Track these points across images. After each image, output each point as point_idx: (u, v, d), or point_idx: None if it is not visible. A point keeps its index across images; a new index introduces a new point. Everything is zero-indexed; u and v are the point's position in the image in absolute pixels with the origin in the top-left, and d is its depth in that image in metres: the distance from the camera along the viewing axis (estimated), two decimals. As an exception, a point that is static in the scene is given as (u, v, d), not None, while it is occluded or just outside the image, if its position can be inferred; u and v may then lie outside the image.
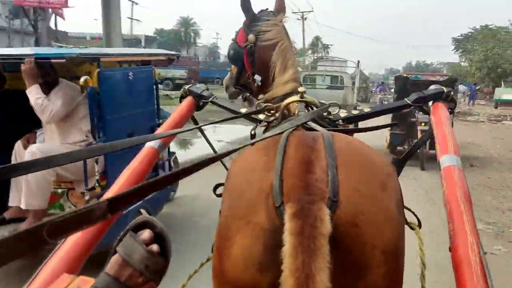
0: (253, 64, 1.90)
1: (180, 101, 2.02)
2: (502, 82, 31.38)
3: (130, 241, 0.83)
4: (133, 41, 32.70)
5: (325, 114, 1.68)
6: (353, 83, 13.47)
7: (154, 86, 4.57)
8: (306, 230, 0.94)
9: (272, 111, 1.72)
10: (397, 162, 1.76)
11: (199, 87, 2.04)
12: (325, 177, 1.06)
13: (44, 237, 0.66)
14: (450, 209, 1.24)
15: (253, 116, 1.81)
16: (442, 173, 1.40)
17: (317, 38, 56.71)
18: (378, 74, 79.41)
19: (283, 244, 0.94)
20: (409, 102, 1.84)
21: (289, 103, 1.65)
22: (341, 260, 0.98)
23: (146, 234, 0.84)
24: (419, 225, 1.50)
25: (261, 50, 1.85)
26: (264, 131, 1.71)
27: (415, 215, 1.49)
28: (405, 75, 10.77)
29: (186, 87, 2.05)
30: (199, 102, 2.01)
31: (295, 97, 1.66)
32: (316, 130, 1.37)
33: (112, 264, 0.82)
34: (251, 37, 1.85)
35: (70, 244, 1.20)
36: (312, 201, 0.99)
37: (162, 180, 0.92)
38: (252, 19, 1.88)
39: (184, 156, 7.66)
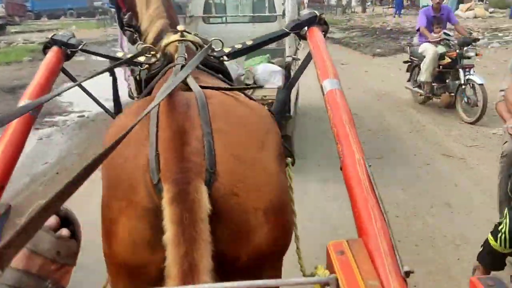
0: (124, 1, 1.82)
1: (44, 53, 1.80)
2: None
3: None
4: None
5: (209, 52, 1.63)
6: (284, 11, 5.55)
7: None
8: (185, 217, 0.94)
9: (152, 52, 1.67)
10: (283, 92, 1.92)
11: (64, 35, 1.83)
12: (201, 147, 1.05)
13: None
14: (337, 131, 1.30)
15: (135, 60, 1.72)
16: (325, 98, 1.44)
17: None
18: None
19: (165, 230, 0.95)
20: (287, 30, 1.87)
21: (167, 44, 1.60)
22: (226, 230, 1.01)
23: (50, 220, 0.81)
24: (293, 163, 1.59)
25: None
26: (148, 75, 1.67)
27: (291, 154, 1.59)
28: None
29: (50, 35, 1.83)
30: (67, 51, 1.81)
31: (175, 37, 1.61)
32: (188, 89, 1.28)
33: (19, 258, 0.76)
34: None
35: None
36: (189, 181, 0.98)
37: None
38: None
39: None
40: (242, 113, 1.24)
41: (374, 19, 24.41)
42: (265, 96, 3.95)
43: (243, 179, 1.06)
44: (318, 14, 1.83)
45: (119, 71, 2.20)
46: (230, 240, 1.02)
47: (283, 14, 5.39)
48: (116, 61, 1.83)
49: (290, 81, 2.14)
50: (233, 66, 4.26)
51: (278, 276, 1.20)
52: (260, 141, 1.17)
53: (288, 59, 4.39)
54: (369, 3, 34.75)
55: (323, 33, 1.80)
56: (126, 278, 1.09)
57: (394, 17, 25.08)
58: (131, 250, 1.03)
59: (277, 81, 4.39)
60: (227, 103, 1.26)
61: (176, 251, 0.93)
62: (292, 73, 4.03)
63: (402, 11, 26.40)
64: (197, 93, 1.19)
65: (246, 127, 1.19)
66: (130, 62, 1.80)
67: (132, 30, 1.94)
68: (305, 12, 1.93)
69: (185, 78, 1.27)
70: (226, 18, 6.51)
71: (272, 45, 3.39)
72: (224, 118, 1.15)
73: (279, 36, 2.00)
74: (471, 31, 15.68)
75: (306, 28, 1.82)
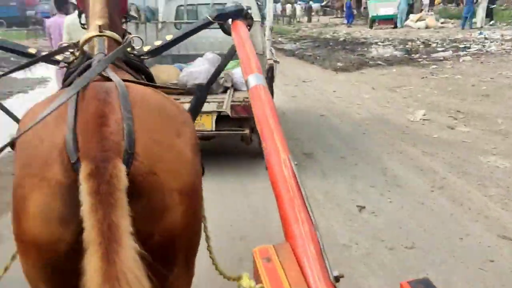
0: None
1: None
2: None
3: None
4: None
5: (128, 49, 1.66)
6: (262, 16, 5.74)
7: None
8: (102, 188, 0.95)
9: (71, 50, 1.65)
10: (201, 88, 2.04)
11: None
12: (120, 130, 1.06)
13: None
14: (261, 129, 1.28)
15: (53, 59, 1.75)
16: (250, 94, 1.43)
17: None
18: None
19: (81, 204, 0.94)
20: (210, 19, 1.81)
21: (86, 40, 1.57)
22: (142, 207, 1.03)
23: None
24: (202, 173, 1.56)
25: None
26: (66, 74, 1.62)
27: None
28: None
29: None
30: None
31: (92, 33, 1.57)
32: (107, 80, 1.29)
33: None
34: None
35: None
36: (107, 159, 0.99)
37: None
38: None
39: None
40: (160, 104, 1.27)
41: (323, 29, 23.53)
42: (246, 98, 4.09)
43: (160, 160, 1.10)
44: (244, 8, 1.82)
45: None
46: (144, 217, 1.03)
47: (262, 20, 5.44)
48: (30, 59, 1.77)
49: (210, 78, 2.12)
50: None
51: (190, 275, 1.29)
52: (176, 129, 1.22)
53: (270, 62, 4.56)
54: (313, 13, 34.37)
55: (248, 27, 1.80)
56: (35, 256, 1.06)
57: (349, 27, 24.35)
58: (41, 224, 1.01)
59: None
60: (147, 93, 1.28)
61: (93, 216, 0.92)
62: (275, 75, 4.73)
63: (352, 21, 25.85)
64: (117, 83, 1.21)
65: (164, 115, 1.23)
66: (46, 60, 1.80)
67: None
68: (231, 4, 1.86)
69: (103, 70, 1.28)
70: None
71: None
72: (144, 106, 1.18)
73: (202, 26, 1.87)
74: (429, 42, 15.12)
75: (230, 21, 1.82)
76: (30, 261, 1.08)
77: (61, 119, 1.08)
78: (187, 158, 1.19)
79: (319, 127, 6.39)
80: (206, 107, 3.87)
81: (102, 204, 0.93)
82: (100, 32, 1.54)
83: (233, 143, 5.26)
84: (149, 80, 1.68)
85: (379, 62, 12.02)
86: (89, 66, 1.40)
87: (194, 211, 1.19)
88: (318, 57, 13.77)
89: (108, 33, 1.57)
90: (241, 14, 1.80)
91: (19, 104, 8.54)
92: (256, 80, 1.43)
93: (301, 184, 1.09)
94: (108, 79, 1.26)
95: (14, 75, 10.72)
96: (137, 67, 1.65)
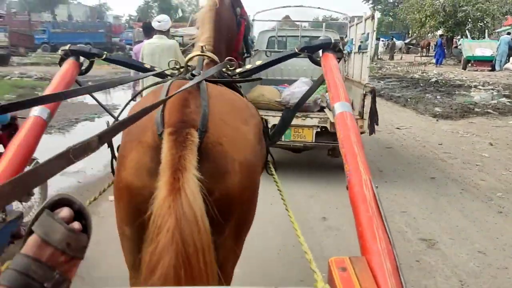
0: None
1: (60, 65, 1.94)
2: (467, 32, 23.81)
3: (48, 220, 0.81)
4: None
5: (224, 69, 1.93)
6: (359, 46, 5.89)
7: None
8: (179, 138, 1.24)
9: (177, 67, 2.04)
10: (289, 111, 2.23)
11: (84, 46, 2.01)
12: (198, 111, 1.36)
13: (71, 158, 0.90)
14: (345, 152, 1.32)
15: (162, 73, 2.14)
16: (336, 119, 1.49)
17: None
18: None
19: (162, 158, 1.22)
20: (296, 50, 1.94)
21: (190, 58, 1.94)
22: (208, 168, 1.26)
23: (65, 212, 0.84)
24: (275, 169, 2.00)
25: None
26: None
27: (272, 159, 1.99)
28: None
29: (67, 46, 1.98)
30: (83, 64, 2.01)
31: (196, 52, 1.95)
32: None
33: (30, 245, 0.79)
34: None
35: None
36: (184, 127, 1.28)
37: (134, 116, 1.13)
38: None
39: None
40: (233, 99, 1.62)
41: (409, 68, 21.66)
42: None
43: (227, 136, 1.36)
44: (333, 41, 1.89)
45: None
46: (209, 177, 1.23)
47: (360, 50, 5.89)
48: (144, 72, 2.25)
49: (296, 103, 2.30)
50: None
51: (237, 253, 1.50)
52: (244, 119, 1.51)
53: (369, 85, 5.11)
54: (396, 51, 32.51)
55: (338, 60, 1.86)
56: (126, 199, 1.34)
57: (439, 66, 22.36)
58: (134, 175, 1.30)
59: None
60: (223, 91, 1.63)
61: (169, 151, 1.21)
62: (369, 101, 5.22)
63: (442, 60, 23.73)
64: (201, 84, 1.53)
65: (234, 107, 1.55)
66: (158, 75, 2.17)
67: None
68: (321, 37, 1.98)
69: (199, 82, 1.54)
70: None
71: None
72: (219, 98, 1.50)
73: (288, 56, 2.05)
74: None
75: (320, 52, 1.91)
76: (121, 203, 1.37)
77: (156, 101, 1.28)
78: (250, 140, 1.45)
79: (432, 197, 4.84)
80: (309, 121, 5.14)
81: (177, 146, 1.22)
82: (202, 52, 1.95)
83: (316, 155, 6.16)
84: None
85: (488, 110, 10.16)
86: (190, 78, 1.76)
87: (250, 184, 1.41)
88: (409, 99, 12.17)
89: (208, 53, 1.97)
90: (328, 46, 1.88)
91: (83, 132, 7.93)
92: (342, 107, 1.49)
93: (381, 205, 1.10)
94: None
95: (85, 100, 10.33)
96: (228, 85, 1.87)
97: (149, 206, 1.15)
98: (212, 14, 2.13)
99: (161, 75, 2.12)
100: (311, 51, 1.90)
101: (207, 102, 1.39)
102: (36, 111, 1.55)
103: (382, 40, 33.26)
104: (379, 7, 37.20)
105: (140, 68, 2.24)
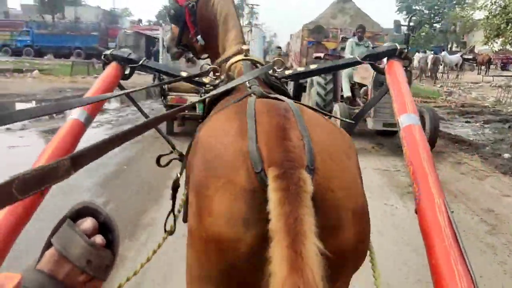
0: (195, 23, 2.03)
1: (103, 68, 1.89)
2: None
3: (68, 231, 0.72)
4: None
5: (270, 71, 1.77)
6: None
7: None
8: (291, 187, 0.98)
9: (217, 74, 1.84)
10: (351, 123, 2.05)
11: (124, 51, 1.94)
12: (301, 145, 1.10)
13: (14, 193, 0.62)
14: (413, 169, 1.21)
15: (199, 80, 1.93)
16: (401, 133, 1.39)
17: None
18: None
19: (268, 200, 0.98)
20: (358, 59, 1.82)
21: (233, 63, 1.77)
22: (318, 222, 1.01)
23: (87, 223, 0.74)
24: None
25: (203, 9, 1.99)
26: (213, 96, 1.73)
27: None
28: None
29: (109, 51, 1.91)
30: (126, 68, 1.91)
31: (239, 56, 1.77)
32: (277, 99, 1.38)
33: (47, 259, 0.72)
34: None
35: None
36: (293, 167, 1.03)
37: (126, 133, 0.87)
38: None
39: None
40: (330, 128, 1.31)
41: (500, 94, 14.54)
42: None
43: (337, 177, 1.11)
44: (398, 47, 1.79)
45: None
46: (321, 230, 1.00)
47: None
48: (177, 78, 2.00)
49: (358, 114, 2.20)
50: None
51: None
52: (346, 152, 1.24)
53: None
54: (448, 68, 26.13)
55: (404, 68, 1.76)
56: (214, 253, 1.09)
57: None
58: (225, 224, 1.05)
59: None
60: (317, 117, 1.34)
61: (281, 209, 0.95)
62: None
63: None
64: (289, 102, 1.30)
65: (334, 138, 1.27)
66: (191, 81, 1.99)
67: (184, 48, 2.21)
68: (386, 44, 1.97)
69: (252, 78, 1.50)
70: None
71: None
72: (317, 127, 1.22)
73: (348, 64, 2.01)
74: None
75: (385, 60, 1.80)
76: (204, 257, 1.11)
77: (243, 129, 1.14)
78: (358, 180, 1.20)
79: None
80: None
81: (289, 200, 0.96)
82: (246, 56, 1.79)
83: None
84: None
85: None
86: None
87: (364, 235, 1.19)
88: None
89: (254, 57, 1.81)
90: (394, 53, 1.77)
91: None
92: (409, 119, 1.39)
93: (458, 234, 0.99)
94: (268, 97, 1.40)
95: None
96: (276, 87, 1.73)
97: (245, 263, 1.02)
98: (234, 7, 2.04)
99: (199, 83, 1.96)
100: (374, 59, 1.80)
101: (307, 132, 1.14)
102: (75, 115, 1.53)
103: (426, 53, 27.45)
104: (414, 18, 31.42)
105: (176, 76, 1.99)
